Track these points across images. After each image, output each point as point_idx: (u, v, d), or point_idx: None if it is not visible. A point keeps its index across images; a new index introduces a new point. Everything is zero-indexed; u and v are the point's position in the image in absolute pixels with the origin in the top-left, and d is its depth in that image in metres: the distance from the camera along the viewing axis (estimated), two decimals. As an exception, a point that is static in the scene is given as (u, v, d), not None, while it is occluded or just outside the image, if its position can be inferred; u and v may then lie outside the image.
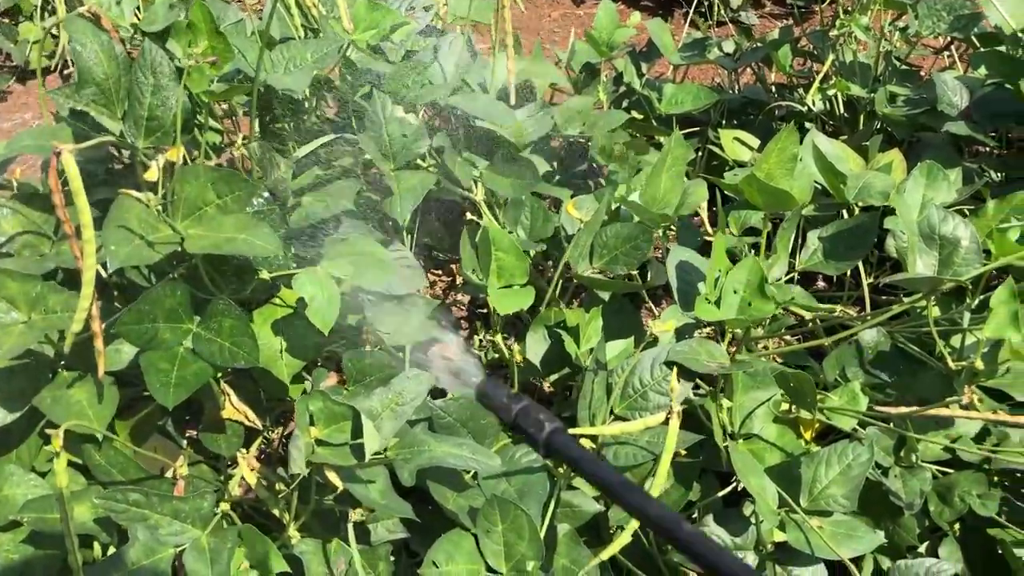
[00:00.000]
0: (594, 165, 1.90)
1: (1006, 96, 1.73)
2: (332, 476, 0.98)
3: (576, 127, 1.86)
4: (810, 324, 1.55)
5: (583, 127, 1.86)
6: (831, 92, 1.90)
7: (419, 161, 1.52)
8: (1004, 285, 1.23)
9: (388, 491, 1.02)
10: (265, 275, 1.15)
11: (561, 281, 1.40)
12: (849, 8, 1.99)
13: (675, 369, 1.08)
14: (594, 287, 1.37)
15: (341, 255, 1.14)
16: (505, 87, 1.65)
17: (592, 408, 1.14)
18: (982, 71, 1.82)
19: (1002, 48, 1.80)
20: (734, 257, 1.45)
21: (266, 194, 1.18)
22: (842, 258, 1.34)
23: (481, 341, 1.52)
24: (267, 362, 1.19)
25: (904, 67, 2.15)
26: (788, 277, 1.41)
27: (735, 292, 1.22)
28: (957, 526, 1.36)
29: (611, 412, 1.16)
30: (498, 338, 1.39)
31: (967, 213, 1.63)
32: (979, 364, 1.25)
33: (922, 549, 1.37)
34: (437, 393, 1.17)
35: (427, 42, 1.53)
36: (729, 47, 2.30)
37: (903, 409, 1.21)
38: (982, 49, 1.88)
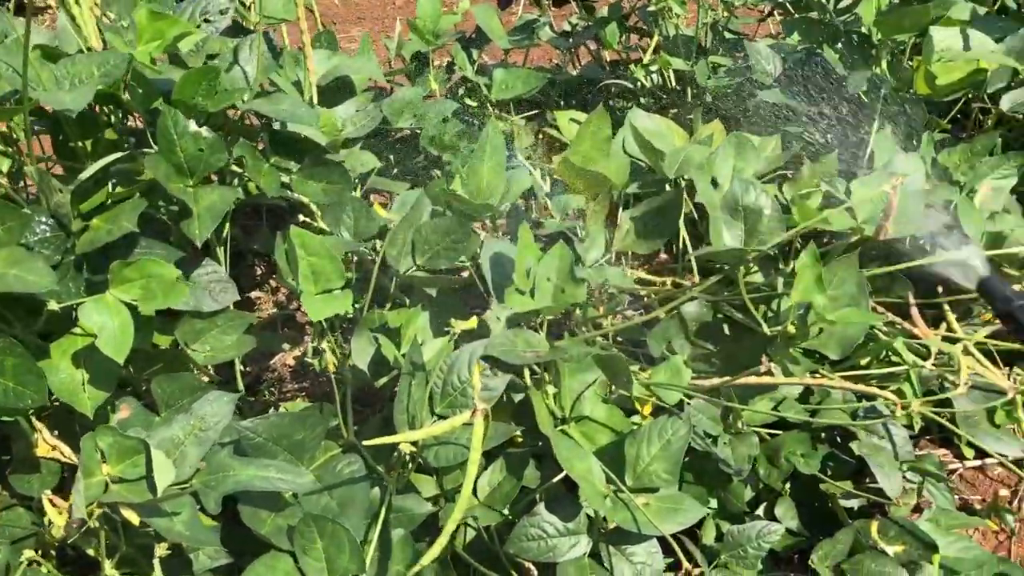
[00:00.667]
0: (435, 156, 1.88)
1: (816, 62, 1.78)
2: (128, 514, 0.94)
3: (407, 119, 1.84)
4: (646, 299, 1.57)
5: (414, 119, 1.84)
6: (654, 68, 1.92)
7: (236, 167, 1.47)
8: (807, 251, 1.26)
9: (194, 522, 0.98)
10: (54, 306, 1.09)
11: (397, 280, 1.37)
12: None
13: (478, 366, 1.07)
14: (418, 285, 1.36)
15: (129, 279, 1.09)
16: (323, 84, 1.61)
17: (411, 411, 1.12)
18: (795, 37, 1.87)
19: (812, 14, 1.86)
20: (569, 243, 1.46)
21: (50, 220, 1.11)
22: (653, 236, 1.36)
23: (316, 348, 1.49)
24: (69, 396, 1.13)
25: (732, 36, 2.20)
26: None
27: (548, 280, 1.22)
28: (789, 485, 1.41)
29: (432, 412, 1.14)
30: (324, 344, 1.36)
31: (790, 176, 1.67)
32: (791, 328, 1.28)
33: (760, 511, 1.41)
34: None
35: (230, 44, 1.48)
36: (570, 25, 2.31)
37: (716, 381, 1.24)
38: (795, 15, 1.93)
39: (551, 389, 1.27)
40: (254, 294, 1.92)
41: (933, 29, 1.61)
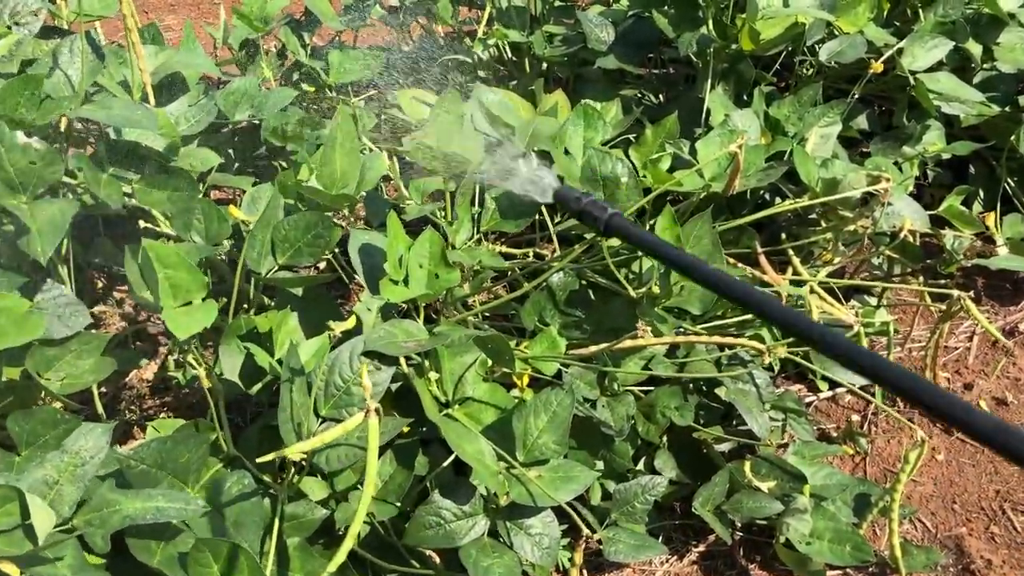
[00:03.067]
0: (278, 147, 1.81)
1: (647, 26, 1.83)
2: (8, 567, 0.88)
3: (244, 110, 1.77)
4: (510, 273, 1.59)
5: (252, 109, 1.77)
6: (491, 42, 1.93)
7: (69, 179, 1.38)
8: (664, 213, 1.31)
9: (79, 565, 0.92)
10: None
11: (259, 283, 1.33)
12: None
13: (365, 365, 1.06)
14: (283, 286, 1.32)
15: (-29, 316, 1.00)
16: (154, 82, 1.53)
17: (296, 417, 1.09)
18: (625, 3, 1.91)
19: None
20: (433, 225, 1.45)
21: None
22: (519, 215, 1.37)
23: (177, 360, 1.42)
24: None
25: (561, 3, 2.23)
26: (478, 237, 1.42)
27: (420, 266, 1.22)
28: (667, 438, 1.47)
29: (318, 416, 1.12)
30: (191, 358, 1.31)
31: (632, 141, 1.72)
32: (655, 289, 1.33)
33: (641, 465, 1.47)
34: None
35: (47, 47, 1.37)
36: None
37: (592, 348, 1.27)
38: (622, -20, 1.98)
39: (433, 375, 1.27)
40: (97, 309, 1.81)
41: (753, -12, 1.68)
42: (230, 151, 1.87)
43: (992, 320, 1.86)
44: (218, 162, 1.68)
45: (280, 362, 1.20)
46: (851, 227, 1.50)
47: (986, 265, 1.68)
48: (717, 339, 1.26)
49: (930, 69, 1.74)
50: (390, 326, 1.17)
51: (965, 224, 1.69)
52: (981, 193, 2.11)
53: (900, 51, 1.71)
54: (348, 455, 1.10)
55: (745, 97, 1.80)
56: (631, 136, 1.74)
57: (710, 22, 1.76)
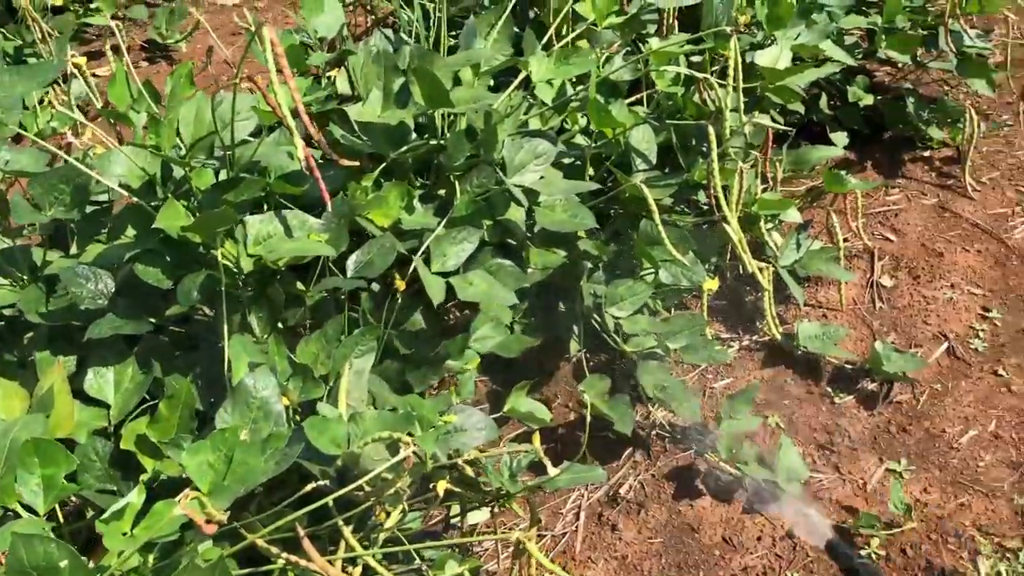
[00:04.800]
0: None
1: (160, 265, 1.55)
2: None
3: None
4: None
5: None
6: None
7: None
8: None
9: None
10: None
11: None
12: None
13: None
14: None
15: None
16: None
17: None
18: (130, 235, 1.63)
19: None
20: None
21: None
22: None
23: None
24: None
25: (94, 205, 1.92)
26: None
27: None
28: None
29: None
30: None
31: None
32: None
33: None
34: None
35: None
36: None
37: None
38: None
39: None
40: None
41: (247, 219, 1.49)
42: None
43: (599, 485, 1.79)
44: None
45: None
46: (394, 488, 1.33)
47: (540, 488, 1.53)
48: None
49: (466, 264, 1.62)
50: None
51: (535, 421, 1.58)
52: (576, 330, 2.07)
53: (428, 253, 1.58)
54: None
55: (281, 325, 1.60)
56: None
57: (219, 253, 1.53)
